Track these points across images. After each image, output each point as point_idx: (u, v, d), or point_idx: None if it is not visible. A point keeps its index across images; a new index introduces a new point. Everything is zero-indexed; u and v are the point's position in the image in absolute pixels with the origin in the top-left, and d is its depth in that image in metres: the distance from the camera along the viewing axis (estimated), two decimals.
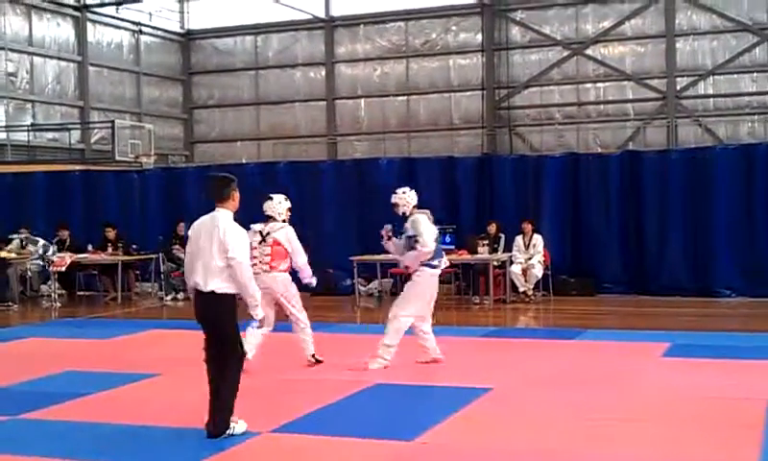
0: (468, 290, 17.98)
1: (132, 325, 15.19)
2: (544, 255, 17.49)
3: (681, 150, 21.64)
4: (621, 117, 32.14)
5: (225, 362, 7.65)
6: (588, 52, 32.23)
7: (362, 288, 18.45)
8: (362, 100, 35.64)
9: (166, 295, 18.97)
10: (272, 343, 12.88)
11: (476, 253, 16.97)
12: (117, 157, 28.96)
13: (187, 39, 37.99)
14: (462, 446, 7.42)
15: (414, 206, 10.73)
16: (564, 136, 32.36)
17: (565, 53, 32.48)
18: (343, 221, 19.38)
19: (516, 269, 17.37)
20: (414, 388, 9.75)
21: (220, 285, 7.57)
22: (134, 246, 19.31)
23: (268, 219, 10.73)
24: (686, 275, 17.44)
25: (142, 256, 19.43)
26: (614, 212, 17.97)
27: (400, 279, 18.99)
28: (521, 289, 17.38)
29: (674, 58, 31.21)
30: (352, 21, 35.59)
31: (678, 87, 31.26)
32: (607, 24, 31.96)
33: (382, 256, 17.81)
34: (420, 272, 10.67)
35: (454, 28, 34.09)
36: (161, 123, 35.85)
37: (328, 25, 35.76)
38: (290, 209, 10.86)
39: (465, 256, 17.21)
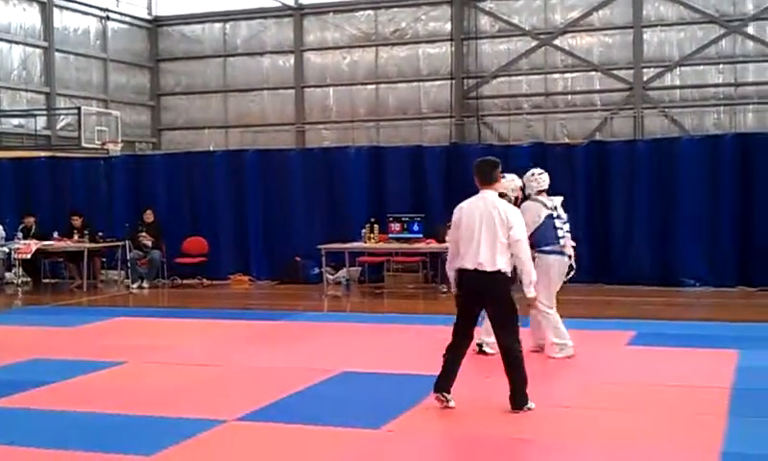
0: (435, 279, 18.01)
1: (98, 312, 15.10)
2: None
3: (647, 140, 21.73)
4: (588, 108, 32.22)
5: (507, 336, 8.07)
6: (557, 42, 32.31)
7: (330, 276, 18.43)
8: (331, 88, 35.51)
9: (132, 283, 18.88)
10: (241, 329, 12.89)
11: (444, 241, 16.96)
12: (84, 144, 28.68)
13: (155, 26, 37.67)
14: (428, 434, 7.45)
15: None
16: (532, 126, 32.44)
17: (534, 43, 32.54)
18: (311, 209, 19.37)
19: None
20: (380, 376, 9.76)
21: (504, 263, 7.91)
22: (101, 233, 19.18)
23: (502, 196, 10.73)
24: (652, 264, 17.55)
25: (108, 244, 19.30)
26: (581, 202, 18.00)
27: (369, 267, 19.09)
28: None
29: (641, 48, 31.36)
30: (321, 9, 35.46)
31: (645, 78, 31.40)
32: (575, 14, 32.04)
33: (350, 245, 17.87)
34: None
35: (423, 17, 34.04)
36: (128, 110, 35.53)
37: (297, 13, 35.61)
38: (521, 188, 10.76)
39: (432, 245, 17.25)
